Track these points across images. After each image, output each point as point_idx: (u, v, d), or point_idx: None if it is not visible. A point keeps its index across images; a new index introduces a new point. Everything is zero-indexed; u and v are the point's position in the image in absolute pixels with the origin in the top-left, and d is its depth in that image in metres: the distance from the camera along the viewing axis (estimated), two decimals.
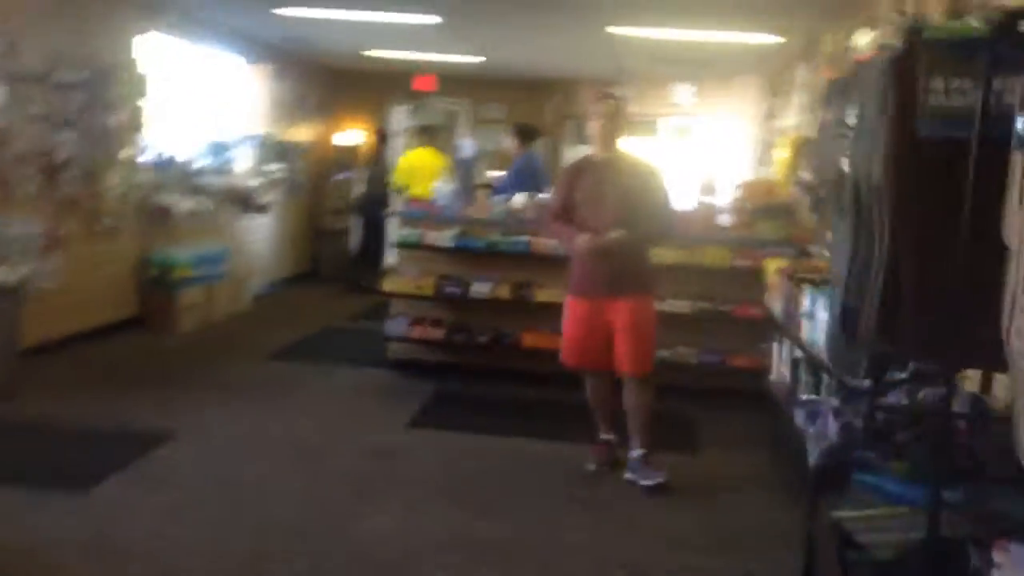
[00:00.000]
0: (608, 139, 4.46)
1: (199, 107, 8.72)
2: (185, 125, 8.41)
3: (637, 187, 4.40)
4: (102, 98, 6.68)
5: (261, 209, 9.29)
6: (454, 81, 11.22)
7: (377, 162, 10.36)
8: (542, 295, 5.88)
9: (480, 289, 6.07)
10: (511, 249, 6.06)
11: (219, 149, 8.59)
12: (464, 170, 8.33)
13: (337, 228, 11.10)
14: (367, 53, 9.56)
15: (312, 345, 7.36)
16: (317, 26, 8.00)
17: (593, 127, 4.47)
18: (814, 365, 3.94)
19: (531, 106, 11.20)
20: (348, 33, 8.39)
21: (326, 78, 11.28)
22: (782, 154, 7.61)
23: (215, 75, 9.06)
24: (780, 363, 4.73)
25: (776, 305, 4.67)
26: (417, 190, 9.43)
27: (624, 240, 4.24)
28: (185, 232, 7.86)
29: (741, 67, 9.10)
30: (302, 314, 8.73)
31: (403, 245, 6.33)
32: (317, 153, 11.25)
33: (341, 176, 11.15)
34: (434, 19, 7.23)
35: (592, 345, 4.41)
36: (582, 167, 4.60)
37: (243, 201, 8.99)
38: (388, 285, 6.30)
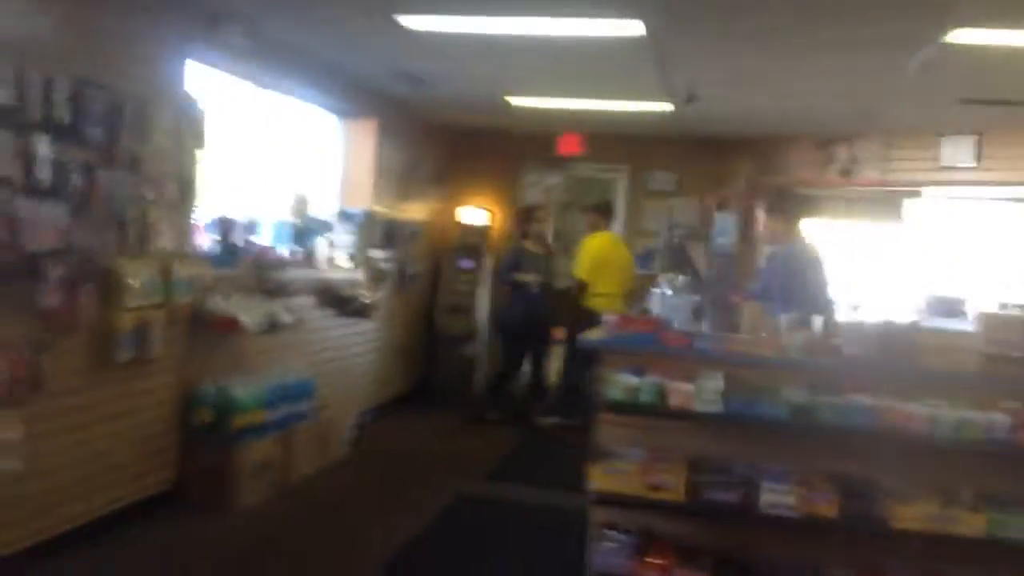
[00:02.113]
0: None
1: (277, 173, 6.26)
2: (257, 198, 5.93)
3: None
4: (128, 150, 4.19)
5: (362, 312, 6.69)
6: (603, 141, 8.57)
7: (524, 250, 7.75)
8: (904, 513, 3.01)
9: (777, 496, 3.22)
10: (840, 421, 3.22)
11: (306, 232, 6.05)
12: (724, 267, 5.56)
13: (457, 333, 8.44)
14: (510, 99, 6.95)
15: (448, 540, 4.60)
16: (443, 55, 5.48)
17: None
18: None
19: (711, 173, 8.45)
20: (485, 66, 5.84)
21: (445, 138, 8.78)
22: None
23: (299, 131, 6.61)
24: None
25: None
26: (604, 291, 6.95)
27: None
28: (253, 354, 5.28)
29: None
30: (417, 466, 6.01)
31: (622, 407, 3.51)
32: (433, 236, 8.69)
33: (464, 264, 8.54)
34: (635, 26, 4.55)
35: None
36: None
37: (339, 303, 6.41)
38: (598, 479, 3.46)
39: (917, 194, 7.37)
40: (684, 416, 3.30)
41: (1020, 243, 6.73)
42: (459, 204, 8.83)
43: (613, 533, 3.46)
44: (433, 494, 5.31)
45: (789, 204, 4.46)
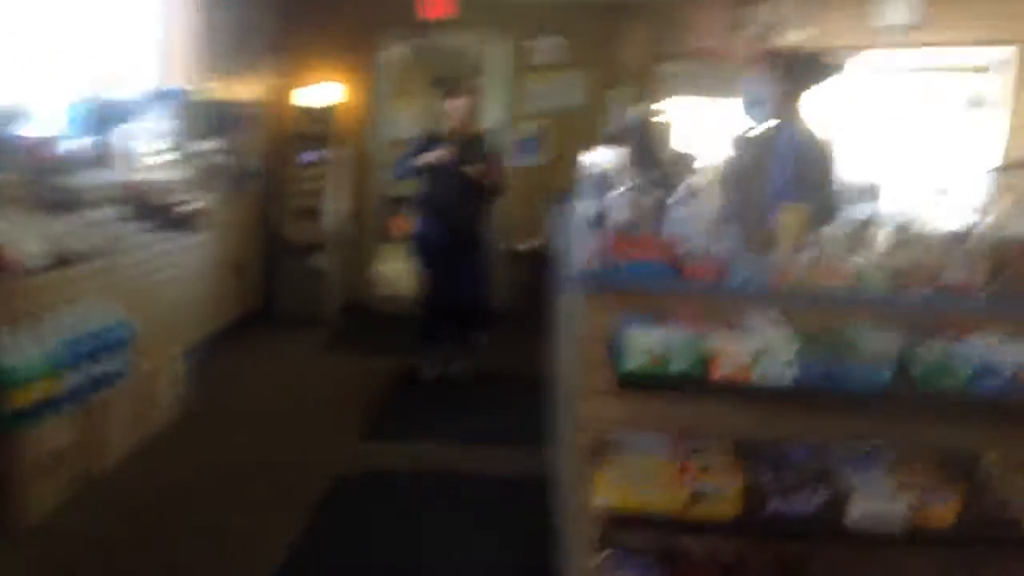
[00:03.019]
0: None
1: (65, 41, 4.48)
2: (35, 73, 4.18)
3: None
4: None
5: (188, 223, 5.11)
6: (482, 4, 7.13)
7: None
8: None
9: (874, 503, 2.14)
10: (959, 384, 2.15)
11: (107, 119, 4.37)
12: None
13: (303, 242, 6.93)
14: None
15: (336, 553, 3.29)
16: None
17: None
18: None
19: (604, 42, 7.20)
20: None
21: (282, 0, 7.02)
22: None
23: None
24: None
25: None
26: None
27: None
28: (35, 297, 3.66)
29: None
30: (270, 426, 4.61)
31: (641, 380, 2.24)
32: (273, 121, 7.02)
33: (308, 157, 6.97)
34: None
35: None
36: None
37: (156, 213, 4.80)
38: (609, 492, 2.22)
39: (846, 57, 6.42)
40: (738, 391, 2.14)
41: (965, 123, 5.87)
42: (302, 81, 7.16)
43: (616, 546, 2.29)
44: (301, 475, 3.97)
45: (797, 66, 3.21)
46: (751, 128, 3.41)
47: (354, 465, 4.12)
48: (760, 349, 2.13)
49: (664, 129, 3.80)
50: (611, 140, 4.14)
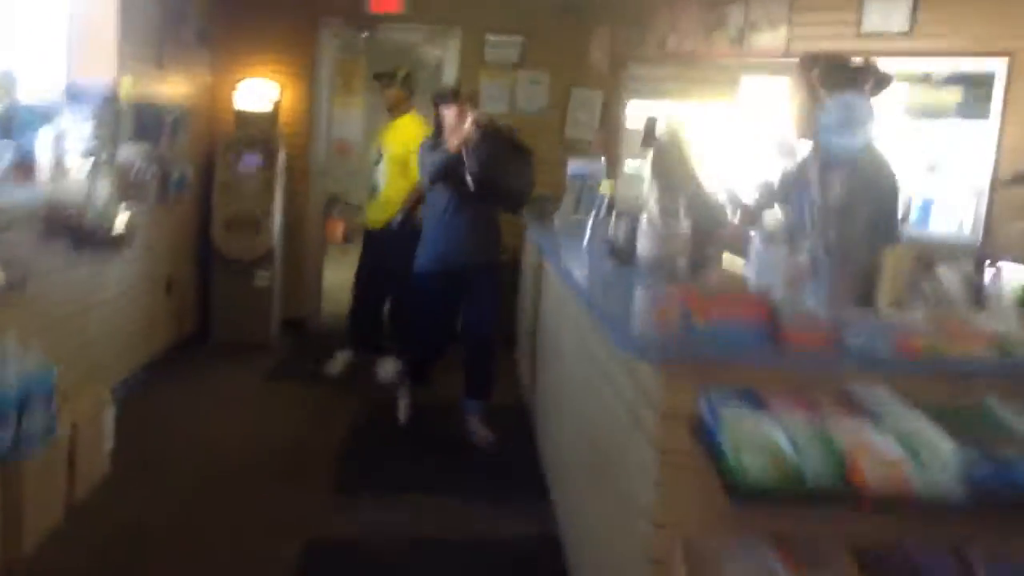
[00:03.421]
0: None
1: None
2: None
3: None
4: None
5: (112, 242, 4.45)
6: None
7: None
8: None
9: None
10: None
11: (14, 125, 3.68)
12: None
13: (243, 256, 6.26)
14: None
15: None
16: None
17: None
18: None
19: (564, 40, 6.73)
20: None
21: None
22: None
23: None
24: None
25: None
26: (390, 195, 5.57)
27: None
28: None
29: None
30: (219, 476, 3.98)
31: (761, 493, 1.66)
32: (203, 123, 6.33)
33: (248, 162, 6.29)
34: None
35: None
36: None
37: (74, 233, 4.12)
38: None
39: None
40: (888, 504, 1.66)
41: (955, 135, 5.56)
42: (237, 78, 6.47)
43: None
44: (262, 541, 3.38)
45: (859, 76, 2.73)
46: (828, 154, 2.87)
47: (327, 527, 3.54)
48: (911, 446, 1.67)
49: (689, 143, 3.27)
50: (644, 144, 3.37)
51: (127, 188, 4.85)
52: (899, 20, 5.46)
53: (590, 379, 2.89)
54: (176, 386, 5.20)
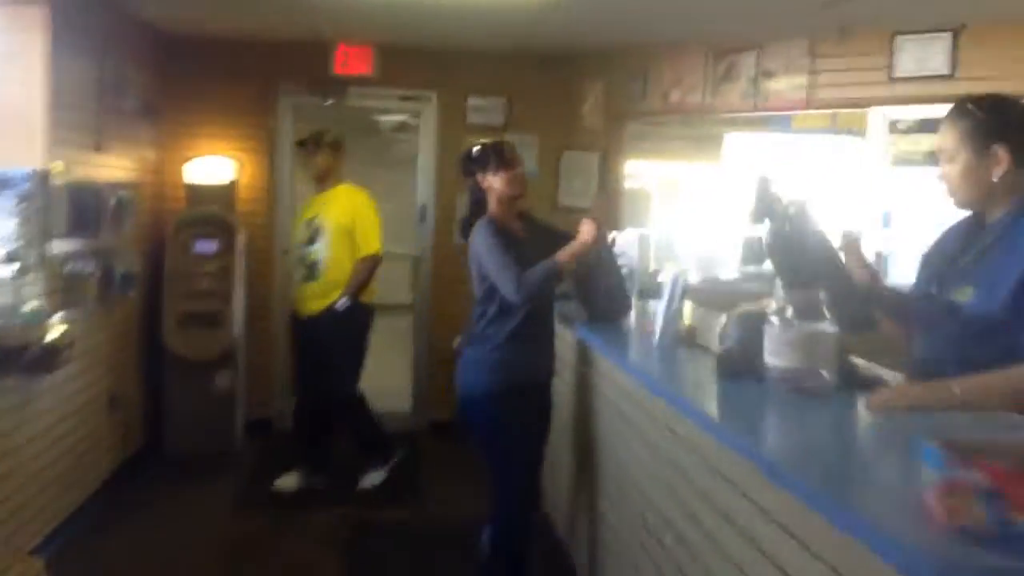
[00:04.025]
0: None
1: None
2: None
3: None
4: None
5: (44, 362, 3.59)
6: (401, 55, 5.90)
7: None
8: None
9: None
10: None
11: None
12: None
13: (199, 357, 5.39)
14: None
15: None
16: None
17: None
18: None
19: (553, 99, 6.10)
20: None
21: (160, 46, 5.56)
22: None
23: None
24: None
25: None
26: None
27: None
28: None
29: None
30: None
31: None
32: (151, 204, 5.51)
33: (203, 248, 5.47)
34: None
35: None
36: None
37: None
38: None
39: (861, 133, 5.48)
40: None
41: None
42: (188, 154, 5.68)
43: None
44: None
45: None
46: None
47: None
48: None
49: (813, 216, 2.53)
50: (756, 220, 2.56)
51: (61, 293, 4.02)
52: (937, 62, 4.90)
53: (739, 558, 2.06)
54: (123, 529, 4.28)
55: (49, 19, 3.75)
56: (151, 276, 5.32)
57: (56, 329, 3.65)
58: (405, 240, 6.76)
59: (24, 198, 3.70)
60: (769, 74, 5.36)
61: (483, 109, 6.09)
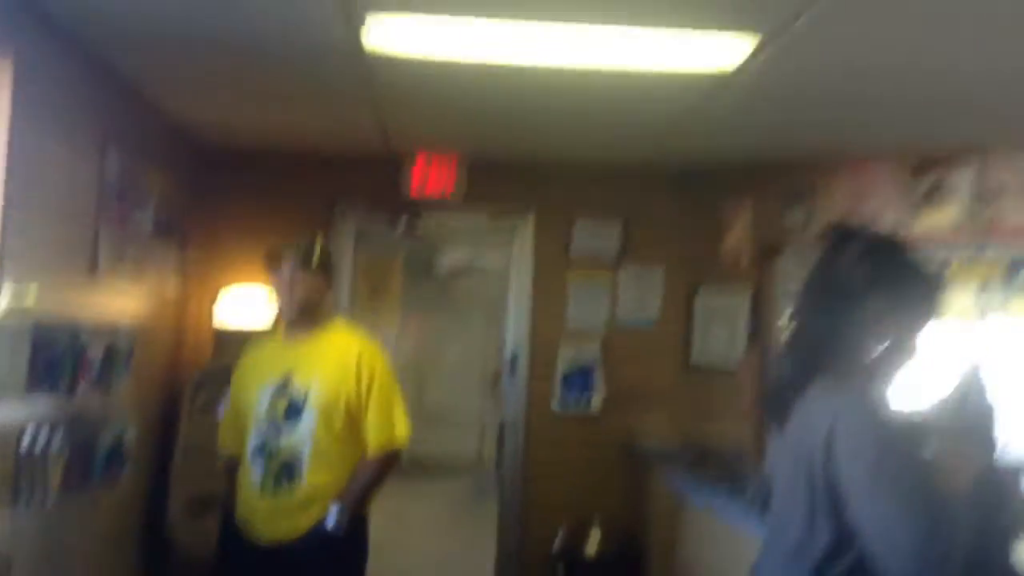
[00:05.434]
0: None
1: None
2: None
3: None
4: None
5: None
6: (491, 171, 4.70)
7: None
8: None
9: None
10: None
11: None
12: None
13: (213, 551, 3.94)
14: (371, 22, 2.75)
15: None
16: None
17: None
18: None
19: (684, 223, 4.84)
20: None
21: (190, 154, 4.42)
22: None
23: None
24: None
25: None
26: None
27: None
28: None
29: None
30: None
31: None
32: (160, 353, 4.22)
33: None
34: None
35: None
36: None
37: None
38: None
39: None
40: None
41: None
42: (218, 285, 4.44)
43: None
44: None
45: None
46: None
47: None
48: None
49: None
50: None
51: (34, 471, 2.70)
52: None
53: None
54: None
55: (11, 76, 2.54)
56: (156, 449, 3.98)
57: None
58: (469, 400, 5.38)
59: None
60: (993, 193, 3.98)
61: (593, 234, 4.82)
